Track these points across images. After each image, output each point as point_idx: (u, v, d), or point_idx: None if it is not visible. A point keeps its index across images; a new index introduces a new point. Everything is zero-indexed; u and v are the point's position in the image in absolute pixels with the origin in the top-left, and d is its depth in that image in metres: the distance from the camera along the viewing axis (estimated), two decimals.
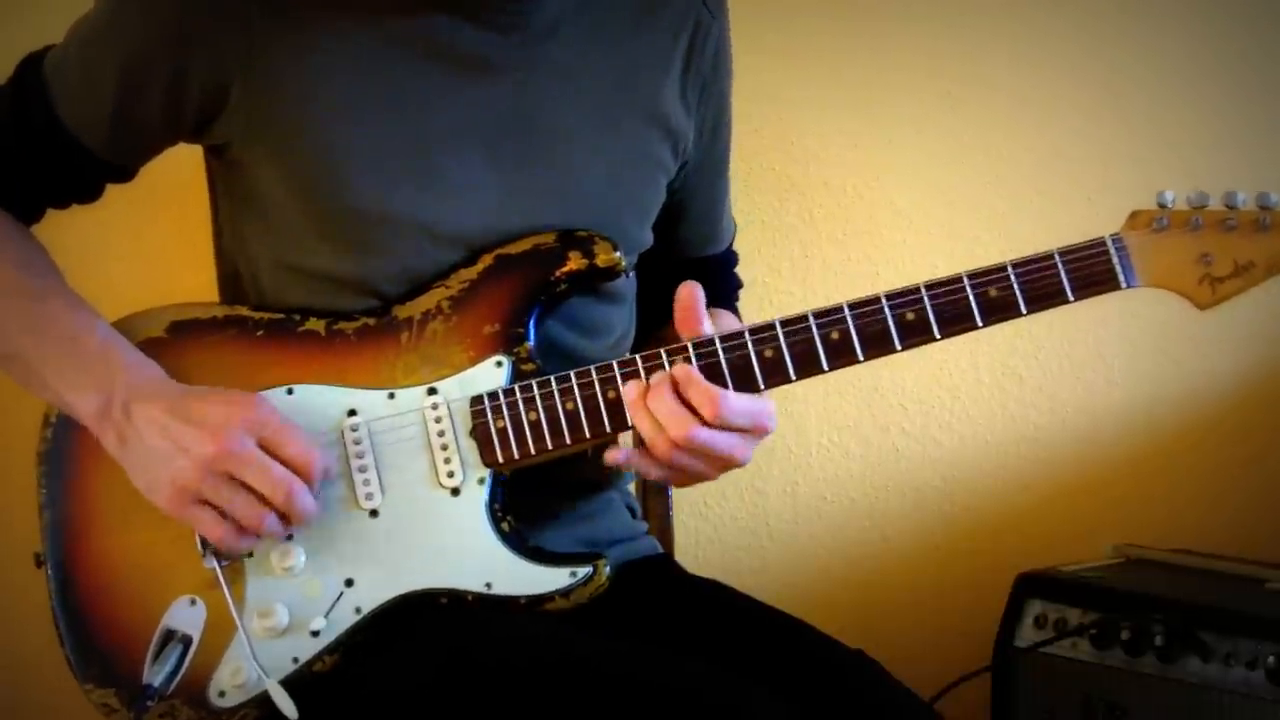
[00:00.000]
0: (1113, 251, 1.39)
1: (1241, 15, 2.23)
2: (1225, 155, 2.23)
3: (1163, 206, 1.40)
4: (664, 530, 1.88)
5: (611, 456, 1.44)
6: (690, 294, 1.44)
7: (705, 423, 1.39)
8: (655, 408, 1.40)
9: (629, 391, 1.42)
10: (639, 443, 1.43)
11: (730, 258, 1.79)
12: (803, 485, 2.19)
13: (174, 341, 1.48)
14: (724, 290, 1.76)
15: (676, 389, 1.40)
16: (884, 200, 2.17)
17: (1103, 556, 2.10)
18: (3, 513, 1.92)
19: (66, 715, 1.79)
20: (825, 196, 2.16)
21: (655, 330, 1.67)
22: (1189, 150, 2.22)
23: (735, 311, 1.76)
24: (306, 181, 1.46)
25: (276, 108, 1.44)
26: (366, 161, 1.46)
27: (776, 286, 2.15)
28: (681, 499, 2.06)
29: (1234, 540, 2.15)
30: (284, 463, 1.39)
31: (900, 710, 1.41)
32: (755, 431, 1.43)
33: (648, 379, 1.42)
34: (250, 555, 1.44)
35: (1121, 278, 1.40)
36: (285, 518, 1.40)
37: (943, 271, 2.15)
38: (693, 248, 1.70)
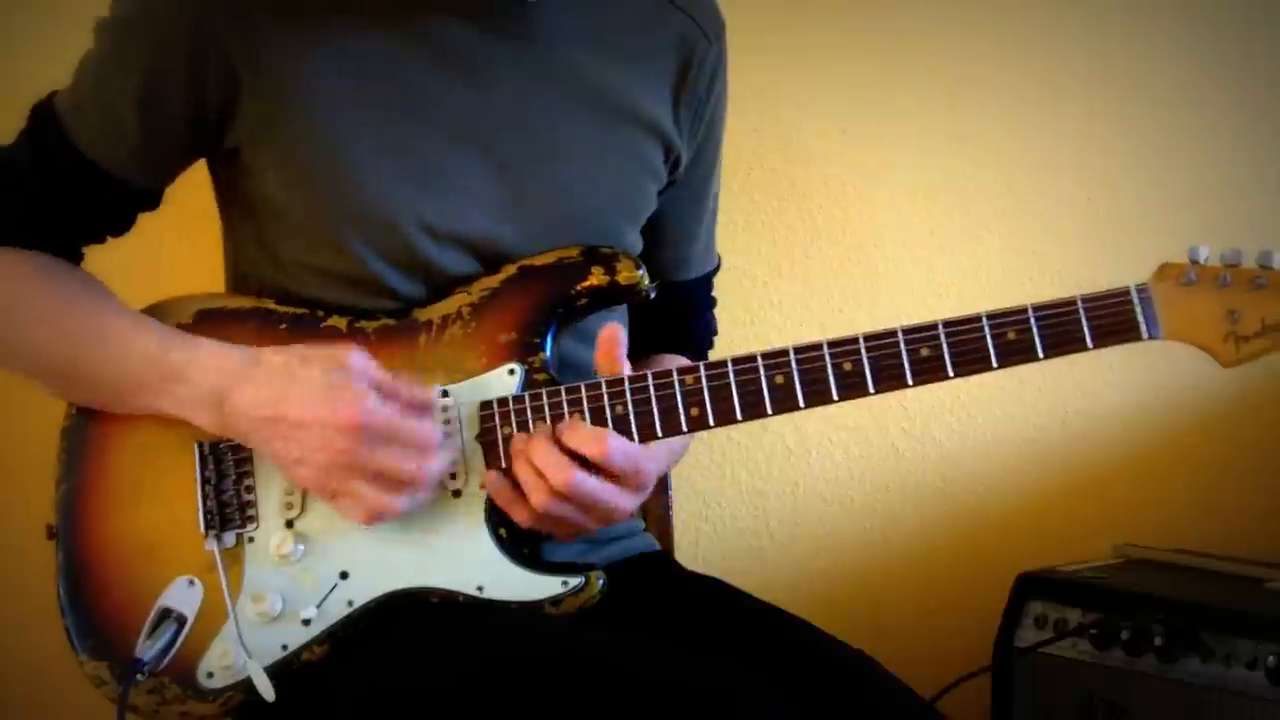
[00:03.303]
0: (1136, 302, 1.38)
1: (1243, 15, 2.23)
2: (1227, 155, 2.23)
3: (1194, 261, 1.38)
4: (664, 530, 1.88)
5: (486, 479, 1.43)
6: (612, 335, 1.45)
7: (585, 466, 1.39)
8: (537, 459, 1.40)
9: (515, 443, 1.42)
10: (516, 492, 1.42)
11: (703, 294, 1.78)
12: (803, 485, 2.19)
13: (199, 329, 1.49)
14: (688, 328, 1.76)
15: (559, 439, 1.40)
16: (884, 200, 2.17)
17: (1103, 556, 2.10)
18: (3, 516, 1.93)
19: (66, 715, 1.80)
20: (825, 196, 2.16)
21: (646, 343, 1.69)
22: (1192, 149, 2.22)
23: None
24: (310, 182, 1.47)
25: (280, 109, 1.45)
26: (368, 161, 1.46)
27: (776, 286, 2.15)
28: (681, 499, 2.06)
29: (1234, 540, 2.15)
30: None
31: (901, 710, 1.41)
32: (632, 481, 1.43)
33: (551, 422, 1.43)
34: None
35: (1144, 328, 1.38)
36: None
37: (941, 272, 2.18)
38: (663, 269, 1.69)
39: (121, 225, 1.55)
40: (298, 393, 1.39)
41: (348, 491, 1.39)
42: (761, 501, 2.17)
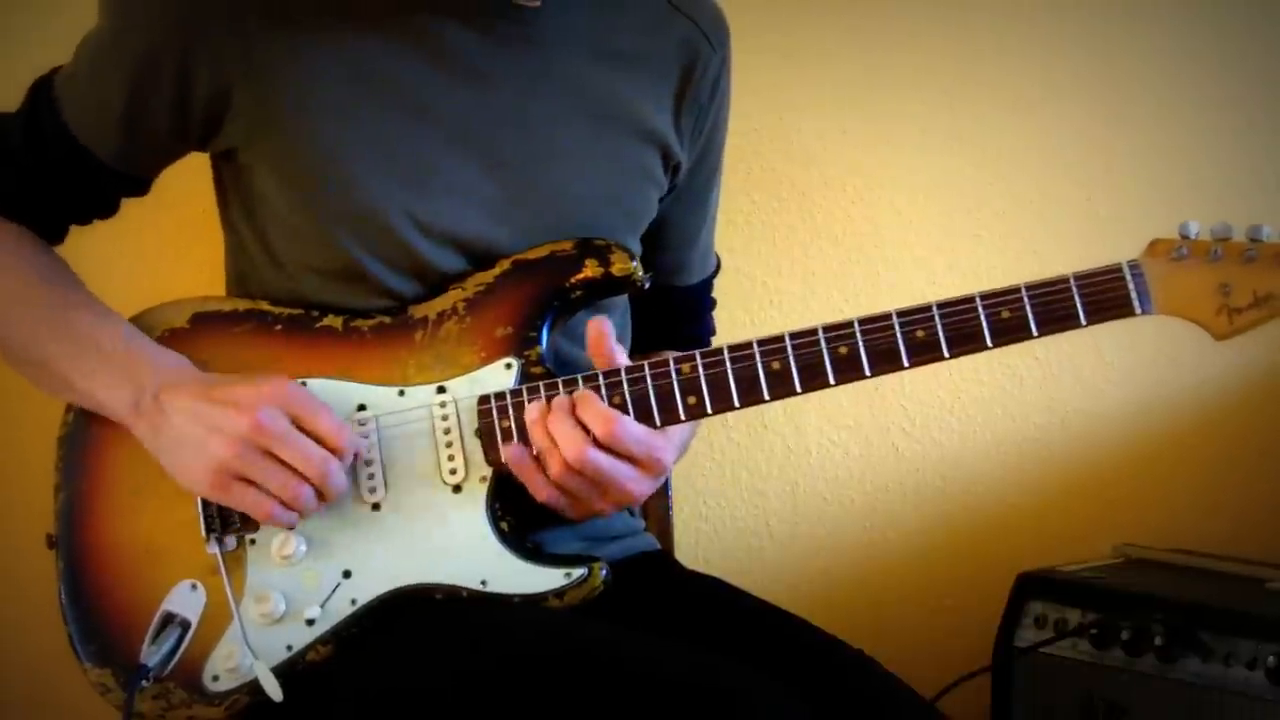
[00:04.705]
0: (1129, 278, 1.38)
1: (1243, 15, 2.23)
2: (1227, 155, 2.23)
3: (1184, 236, 1.39)
4: (664, 530, 1.88)
5: (506, 451, 1.44)
6: (598, 326, 1.45)
7: (598, 444, 1.39)
8: (553, 427, 1.40)
9: (531, 411, 1.43)
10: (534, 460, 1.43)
11: (703, 297, 1.78)
12: (803, 485, 2.19)
13: (195, 332, 1.51)
14: (688, 330, 1.75)
15: (574, 411, 1.41)
16: (884, 200, 2.17)
17: (1103, 556, 2.10)
18: (3, 518, 1.93)
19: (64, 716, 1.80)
20: (825, 196, 2.16)
21: (646, 345, 1.69)
22: (1191, 148, 2.22)
23: None
24: (303, 181, 1.48)
25: (275, 111, 1.46)
26: (363, 163, 1.47)
27: (777, 286, 2.15)
28: (681, 499, 2.06)
29: (1234, 540, 2.15)
30: (316, 439, 1.41)
31: (901, 709, 1.41)
32: (649, 466, 1.43)
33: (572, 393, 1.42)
34: (252, 542, 1.45)
35: (1136, 304, 1.38)
36: (319, 494, 1.41)
37: (941, 272, 2.18)
38: (663, 274, 1.69)
39: (107, 208, 1.56)
40: (226, 383, 1.43)
41: (256, 474, 1.39)
42: (761, 501, 2.17)
